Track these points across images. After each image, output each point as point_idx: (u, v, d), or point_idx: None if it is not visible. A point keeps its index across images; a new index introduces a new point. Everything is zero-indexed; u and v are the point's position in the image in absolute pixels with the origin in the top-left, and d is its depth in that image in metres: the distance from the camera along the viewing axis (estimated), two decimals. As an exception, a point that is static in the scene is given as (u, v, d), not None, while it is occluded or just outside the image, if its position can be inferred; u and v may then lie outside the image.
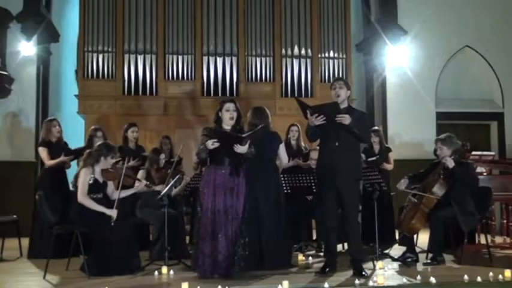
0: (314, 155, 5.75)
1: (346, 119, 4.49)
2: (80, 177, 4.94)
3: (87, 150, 5.27)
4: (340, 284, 4.30)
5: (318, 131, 4.67)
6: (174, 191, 5.86)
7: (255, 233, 4.95)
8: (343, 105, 4.74)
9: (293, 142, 6.53)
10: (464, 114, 9.58)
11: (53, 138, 6.09)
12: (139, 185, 5.36)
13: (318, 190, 5.28)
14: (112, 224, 4.83)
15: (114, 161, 5.15)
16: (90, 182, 4.95)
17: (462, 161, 5.44)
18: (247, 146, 4.53)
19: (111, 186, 5.20)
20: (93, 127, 6.62)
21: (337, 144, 4.62)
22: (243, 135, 4.51)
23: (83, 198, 4.89)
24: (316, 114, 4.51)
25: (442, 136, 5.54)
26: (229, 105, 4.73)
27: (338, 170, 4.59)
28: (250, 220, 4.80)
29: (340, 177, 4.59)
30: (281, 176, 5.55)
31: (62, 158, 5.97)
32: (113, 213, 4.88)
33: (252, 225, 4.92)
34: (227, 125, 4.73)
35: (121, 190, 5.04)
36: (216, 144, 4.46)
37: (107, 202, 5.04)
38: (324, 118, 4.51)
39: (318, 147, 5.13)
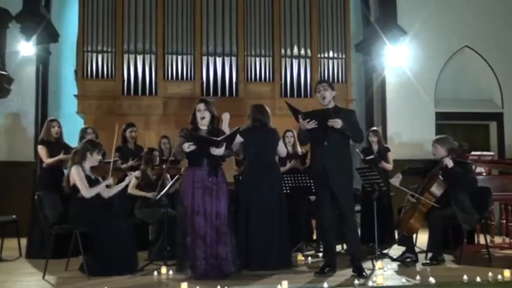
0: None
1: (338, 123, 4.53)
2: (74, 175, 4.90)
3: (73, 150, 5.30)
4: (340, 284, 4.30)
5: (308, 134, 4.70)
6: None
7: (253, 233, 4.98)
8: (330, 106, 4.78)
9: (289, 147, 6.52)
10: (464, 115, 9.60)
11: (51, 137, 6.14)
12: (129, 177, 5.38)
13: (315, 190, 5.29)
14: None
15: (100, 157, 5.17)
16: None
17: (461, 161, 5.44)
18: (223, 148, 4.58)
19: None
20: (83, 127, 6.72)
21: (325, 143, 4.65)
22: (218, 139, 4.55)
23: (88, 192, 4.86)
24: (308, 119, 4.56)
25: (437, 137, 5.60)
26: (200, 106, 4.76)
27: (329, 169, 4.62)
28: (248, 221, 4.80)
29: (332, 176, 4.61)
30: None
31: (60, 156, 5.98)
32: (109, 181, 5.05)
33: (251, 226, 4.94)
34: (202, 125, 4.75)
35: (113, 185, 5.17)
36: (192, 147, 4.51)
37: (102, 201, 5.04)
38: (316, 122, 4.56)
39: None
